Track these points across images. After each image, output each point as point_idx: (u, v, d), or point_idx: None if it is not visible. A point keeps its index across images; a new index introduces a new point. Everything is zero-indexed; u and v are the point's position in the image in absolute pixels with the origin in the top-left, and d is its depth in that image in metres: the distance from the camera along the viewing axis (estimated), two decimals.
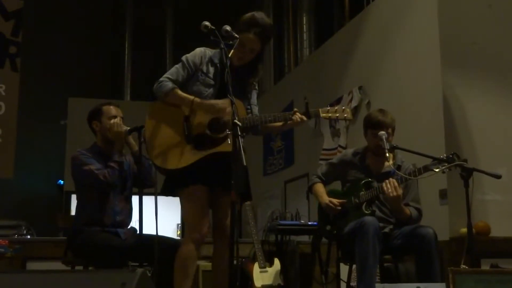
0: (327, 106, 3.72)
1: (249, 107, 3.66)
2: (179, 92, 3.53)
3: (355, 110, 6.93)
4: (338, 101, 7.32)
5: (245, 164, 2.77)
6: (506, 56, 5.65)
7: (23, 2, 6.44)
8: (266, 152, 10.13)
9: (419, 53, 5.91)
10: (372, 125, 4.28)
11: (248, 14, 3.55)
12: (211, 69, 3.59)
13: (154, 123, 3.56)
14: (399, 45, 6.31)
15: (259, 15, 3.57)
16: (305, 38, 9.97)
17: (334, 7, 10.78)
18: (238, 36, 3.29)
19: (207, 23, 3.39)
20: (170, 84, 3.53)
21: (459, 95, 5.49)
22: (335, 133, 7.45)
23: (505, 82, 5.62)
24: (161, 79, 3.57)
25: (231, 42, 3.31)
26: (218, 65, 3.58)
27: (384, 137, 4.04)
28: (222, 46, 3.23)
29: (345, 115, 3.70)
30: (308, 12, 10.02)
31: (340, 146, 7.27)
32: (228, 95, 3.02)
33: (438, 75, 5.50)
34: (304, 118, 3.55)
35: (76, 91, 11.88)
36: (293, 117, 3.53)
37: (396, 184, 4.01)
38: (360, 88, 6.91)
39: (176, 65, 3.63)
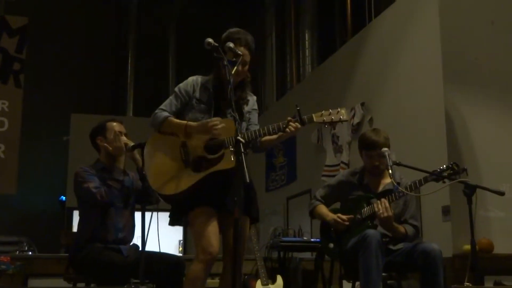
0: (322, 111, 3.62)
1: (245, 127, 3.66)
2: (173, 119, 3.54)
3: (358, 127, 6.93)
4: None
5: (248, 181, 2.77)
6: (508, 72, 5.66)
7: (28, 19, 6.47)
8: (268, 168, 10.12)
9: (421, 69, 5.92)
10: (366, 145, 4.28)
11: (225, 33, 3.57)
12: (205, 95, 3.59)
13: (152, 154, 3.58)
14: (401, 61, 6.32)
15: (236, 29, 3.59)
16: (307, 54, 9.99)
17: (336, 24, 10.81)
18: (241, 53, 3.30)
19: (210, 40, 3.40)
20: (164, 114, 3.55)
21: (462, 111, 5.49)
22: (338, 150, 7.45)
23: (507, 98, 5.63)
24: (156, 111, 3.60)
25: (234, 59, 3.32)
26: (211, 90, 3.59)
27: (387, 153, 4.04)
28: (225, 63, 3.23)
29: (341, 117, 3.57)
30: (310, 28, 10.05)
31: (342, 162, 7.26)
32: (231, 111, 3.03)
33: (441, 91, 5.51)
34: (299, 125, 3.49)
35: (78, 107, 11.91)
36: (288, 127, 3.46)
37: (387, 204, 4.02)
38: (362, 104, 6.92)
39: (170, 97, 3.66)
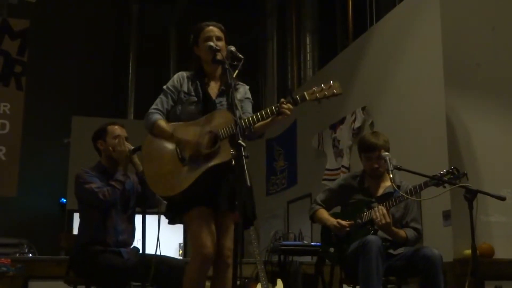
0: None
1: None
2: (162, 124, 3.53)
3: (359, 131, 6.93)
4: (342, 122, 7.34)
5: (249, 184, 2.76)
6: (509, 78, 5.66)
7: (30, 22, 6.49)
8: (269, 171, 10.12)
9: (422, 74, 5.92)
10: (365, 148, 4.30)
11: (195, 29, 3.64)
12: (192, 87, 3.60)
13: (148, 158, 3.56)
14: (402, 66, 6.32)
15: (202, 23, 3.64)
16: (308, 58, 9.99)
17: (337, 28, 10.83)
18: (242, 57, 3.30)
19: (211, 43, 3.42)
20: (154, 117, 3.56)
21: (462, 116, 5.49)
22: (338, 154, 7.45)
23: (508, 103, 5.63)
24: (148, 111, 3.62)
25: (235, 63, 3.32)
26: (197, 82, 3.60)
27: (388, 158, 4.04)
28: (226, 66, 3.23)
29: (334, 91, 3.46)
30: (311, 32, 10.05)
31: (343, 166, 7.26)
32: (234, 117, 3.08)
33: (442, 96, 5.52)
34: (291, 106, 3.45)
35: (79, 109, 11.91)
36: (281, 109, 3.41)
37: (384, 211, 4.03)
38: (363, 108, 6.92)
39: (160, 96, 3.65)
